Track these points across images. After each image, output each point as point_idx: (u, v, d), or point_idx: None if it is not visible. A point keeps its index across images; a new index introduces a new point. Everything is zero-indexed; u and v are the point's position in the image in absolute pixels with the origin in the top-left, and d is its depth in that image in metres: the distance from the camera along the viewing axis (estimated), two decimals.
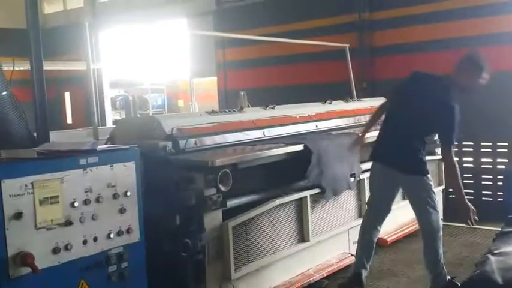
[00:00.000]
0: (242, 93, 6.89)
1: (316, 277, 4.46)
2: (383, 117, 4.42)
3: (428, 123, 4.10)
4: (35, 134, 3.93)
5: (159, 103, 17.21)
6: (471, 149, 7.13)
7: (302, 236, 4.45)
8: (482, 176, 7.05)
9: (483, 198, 6.99)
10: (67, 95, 14.33)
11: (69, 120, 14.11)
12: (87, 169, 2.94)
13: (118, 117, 12.82)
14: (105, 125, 11.09)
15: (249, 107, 5.54)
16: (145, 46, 13.63)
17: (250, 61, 10.12)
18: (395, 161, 4.12)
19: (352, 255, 4.95)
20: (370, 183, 4.46)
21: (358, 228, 5.08)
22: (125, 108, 15.96)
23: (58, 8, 14.82)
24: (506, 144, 6.90)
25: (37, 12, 3.95)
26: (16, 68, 4.90)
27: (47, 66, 4.76)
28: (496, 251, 3.87)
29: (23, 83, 5.20)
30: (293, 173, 4.47)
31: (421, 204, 4.15)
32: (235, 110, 4.94)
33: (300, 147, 4.37)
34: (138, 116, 14.35)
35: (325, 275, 4.54)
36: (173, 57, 13.67)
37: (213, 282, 3.71)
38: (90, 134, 5.76)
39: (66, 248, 2.83)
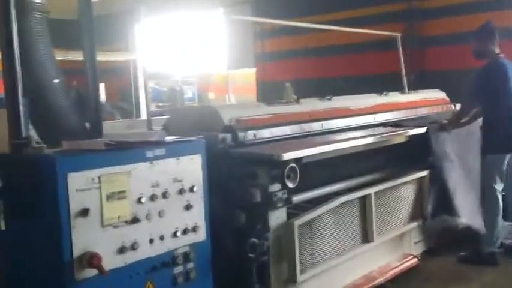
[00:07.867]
0: (287, 85, 6.61)
1: (380, 280, 4.18)
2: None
3: None
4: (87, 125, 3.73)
5: (190, 95, 17.10)
6: None
7: (366, 235, 4.16)
8: None
9: None
10: (101, 86, 14.26)
11: None
12: (154, 162, 2.72)
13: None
14: (140, 117, 10.91)
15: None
16: (181, 37, 13.40)
17: (290, 52, 9.80)
18: None
19: (415, 256, 4.66)
20: (502, 172, 4.77)
21: (420, 228, 4.81)
22: (156, 100, 15.86)
23: None
24: None
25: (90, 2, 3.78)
26: (60, 58, 4.73)
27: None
28: None
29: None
30: (357, 168, 4.20)
31: None
32: (291, 101, 4.67)
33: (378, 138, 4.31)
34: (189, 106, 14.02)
35: (389, 278, 4.25)
36: (210, 49, 13.41)
37: (278, 285, 3.46)
38: (129, 125, 5.55)
39: (133, 247, 2.61)
